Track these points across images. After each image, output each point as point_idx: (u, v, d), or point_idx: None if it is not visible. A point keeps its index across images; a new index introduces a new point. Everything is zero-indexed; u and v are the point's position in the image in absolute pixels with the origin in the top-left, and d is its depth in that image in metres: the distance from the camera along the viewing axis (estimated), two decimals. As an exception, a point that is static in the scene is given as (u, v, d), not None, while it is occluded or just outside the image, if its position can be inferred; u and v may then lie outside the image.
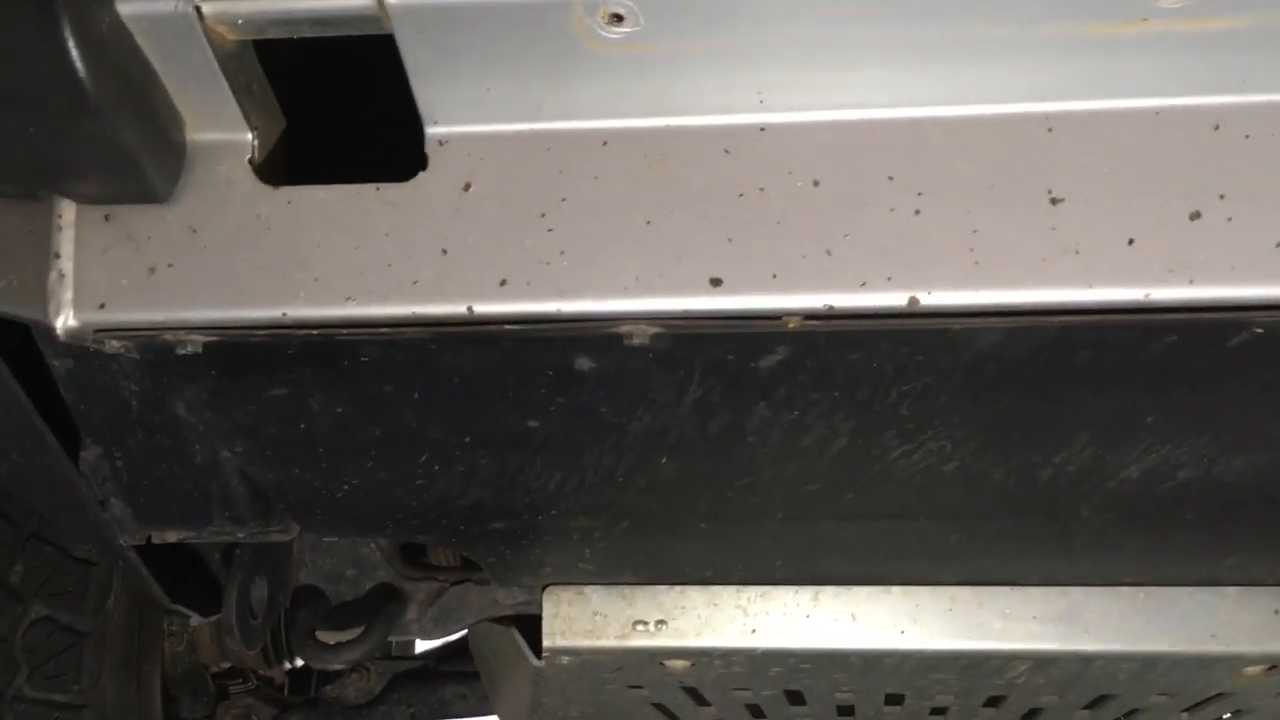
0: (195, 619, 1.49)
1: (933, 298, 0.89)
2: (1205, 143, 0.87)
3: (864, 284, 0.89)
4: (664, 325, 0.92)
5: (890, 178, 0.89)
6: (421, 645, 3.05)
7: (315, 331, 0.93)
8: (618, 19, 0.83)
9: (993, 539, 1.39)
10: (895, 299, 0.89)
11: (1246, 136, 0.86)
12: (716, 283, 0.90)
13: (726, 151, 0.90)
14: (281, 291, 0.92)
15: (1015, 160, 0.88)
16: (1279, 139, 0.86)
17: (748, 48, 0.86)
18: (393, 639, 1.83)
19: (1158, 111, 0.87)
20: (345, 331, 0.93)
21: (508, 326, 0.92)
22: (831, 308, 0.90)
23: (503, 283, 0.91)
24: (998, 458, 1.17)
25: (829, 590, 1.52)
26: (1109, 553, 1.42)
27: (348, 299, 0.91)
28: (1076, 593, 1.48)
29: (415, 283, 0.91)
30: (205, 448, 1.18)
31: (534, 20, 0.84)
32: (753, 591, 1.53)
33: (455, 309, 0.91)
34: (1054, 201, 0.88)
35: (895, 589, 1.52)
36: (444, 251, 0.91)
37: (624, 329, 0.93)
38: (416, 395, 1.07)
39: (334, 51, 1.00)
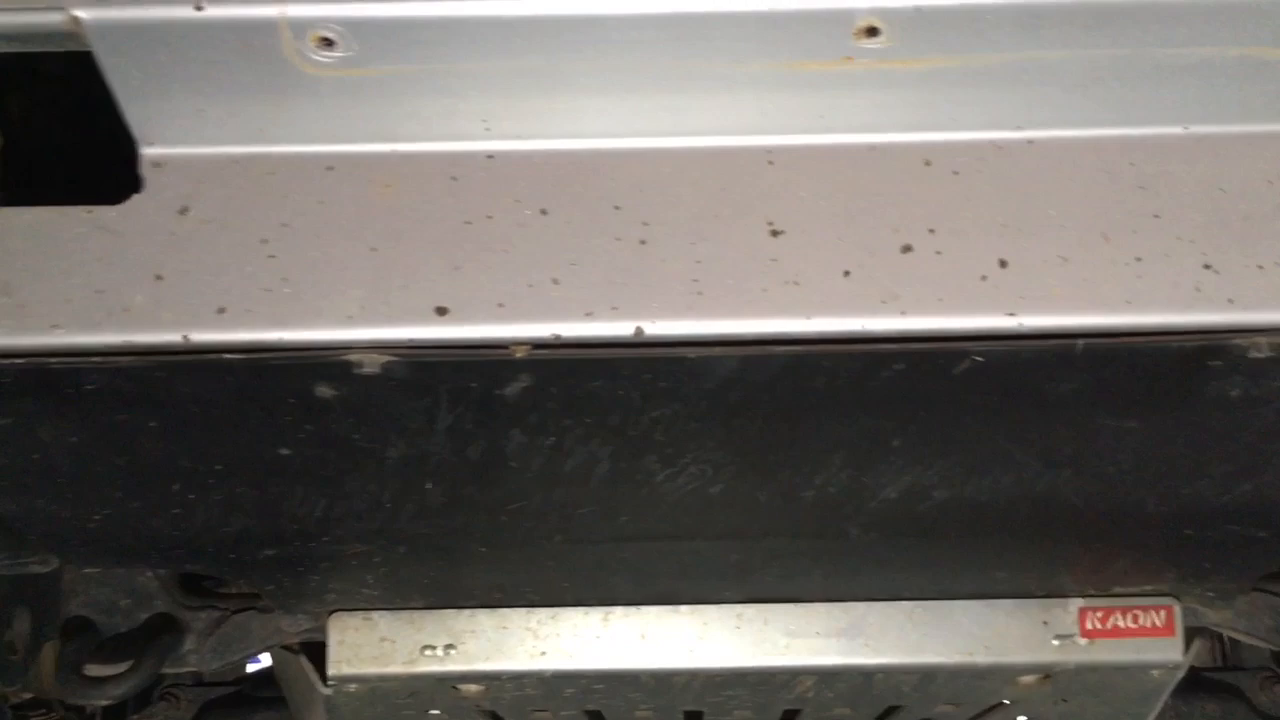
0: (-47, 655, 1.41)
1: (657, 327, 0.89)
2: (917, 178, 0.89)
3: (590, 314, 0.89)
4: (393, 354, 0.90)
5: (617, 207, 0.89)
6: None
7: (21, 361, 0.88)
8: (328, 43, 0.82)
9: (771, 558, 1.42)
10: (621, 328, 0.89)
11: (955, 173, 0.89)
12: (443, 311, 0.89)
13: (454, 179, 0.89)
14: (-17, 319, 0.87)
15: (737, 192, 0.89)
16: (985, 175, 0.89)
17: (468, 76, 0.85)
18: (172, 671, 1.76)
19: (872, 147, 0.89)
20: (57, 361, 0.89)
21: (228, 356, 0.89)
22: (559, 337, 0.89)
23: (221, 310, 0.88)
24: (760, 481, 1.19)
25: (618, 611, 1.53)
26: (885, 569, 1.45)
27: (54, 327, 0.87)
28: (858, 608, 1.52)
29: (127, 310, 0.87)
30: (-63, 479, 1.12)
31: (241, 41, 0.81)
32: (543, 614, 1.53)
33: (170, 338, 0.88)
34: (774, 233, 0.89)
35: (684, 608, 1.53)
36: (159, 277, 0.88)
37: (352, 358, 0.91)
38: (154, 424, 1.03)
39: (57, 69, 0.95)
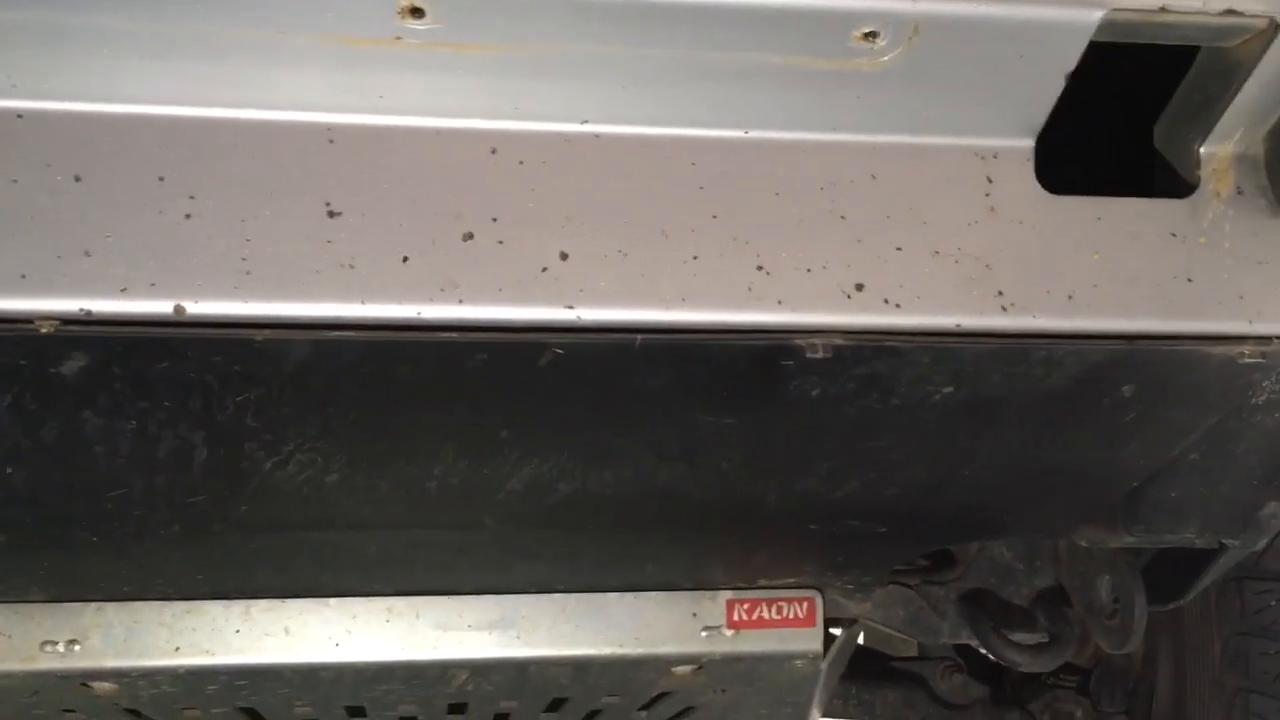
0: None
1: (200, 306, 0.85)
2: (482, 166, 0.88)
3: (124, 290, 0.84)
4: (-97, 325, 0.83)
5: (161, 179, 0.84)
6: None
7: None
8: None
9: (412, 549, 1.39)
10: (159, 306, 0.84)
11: (520, 162, 0.88)
12: (-45, 280, 0.82)
13: (-28, 138, 0.82)
14: None
15: (294, 170, 0.86)
16: (551, 167, 0.89)
17: (-16, 26, 0.79)
18: None
19: (438, 131, 0.87)
20: None
21: None
22: (89, 313, 0.84)
23: None
24: (376, 470, 1.16)
25: (262, 604, 1.47)
26: (534, 561, 1.45)
27: None
28: (511, 600, 1.51)
29: None
30: None
31: None
32: (178, 607, 1.45)
33: None
34: (331, 214, 0.86)
35: (332, 601, 1.48)
36: None
37: None
38: None
39: None
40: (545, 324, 0.88)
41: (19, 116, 0.83)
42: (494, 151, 0.88)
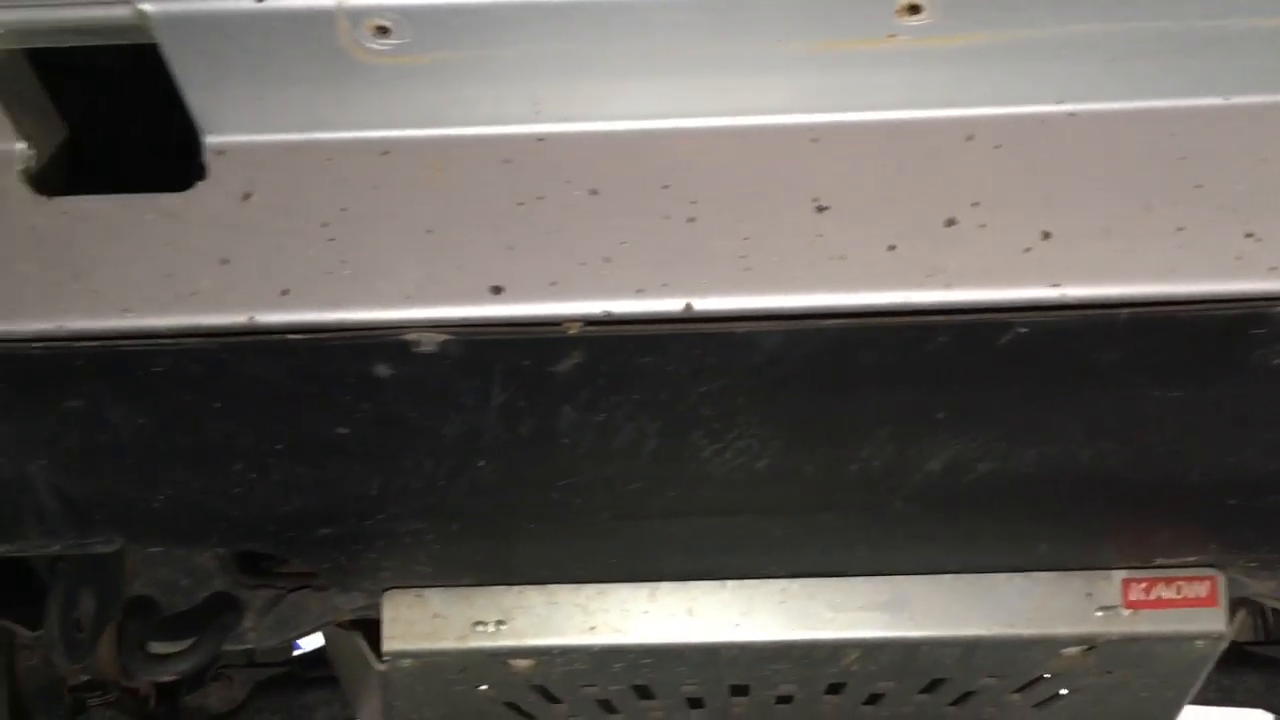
0: (22, 632, 1.46)
1: (707, 303, 0.91)
2: (959, 153, 0.91)
3: (640, 290, 0.91)
4: (450, 332, 0.93)
5: (665, 186, 0.92)
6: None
7: (95, 344, 0.92)
8: (384, 31, 0.84)
9: (816, 532, 1.44)
10: (671, 305, 0.91)
11: (997, 146, 0.90)
12: (497, 290, 0.91)
13: (506, 161, 0.92)
14: (57, 303, 0.91)
15: (782, 170, 0.91)
16: (1028, 149, 0.90)
17: (518, 60, 0.88)
18: (232, 649, 1.80)
19: (914, 123, 0.91)
20: (127, 343, 0.93)
21: (293, 336, 0.93)
22: (610, 314, 0.92)
23: (285, 292, 0.91)
24: (805, 455, 1.21)
25: (666, 586, 1.55)
26: (928, 542, 1.47)
27: (125, 310, 0.91)
28: (901, 581, 1.53)
29: (195, 293, 0.91)
30: (9, 461, 1.16)
31: (300, 32, 0.84)
32: (591, 590, 1.56)
33: (236, 319, 0.91)
34: (819, 209, 0.91)
35: (730, 583, 1.55)
36: (224, 261, 0.91)
37: (410, 337, 0.93)
38: (218, 405, 1.06)
39: (127, 59, 0.99)
40: (1030, 303, 0.90)
41: (540, 140, 0.92)
42: (970, 138, 0.91)
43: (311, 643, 2.58)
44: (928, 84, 0.90)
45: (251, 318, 0.91)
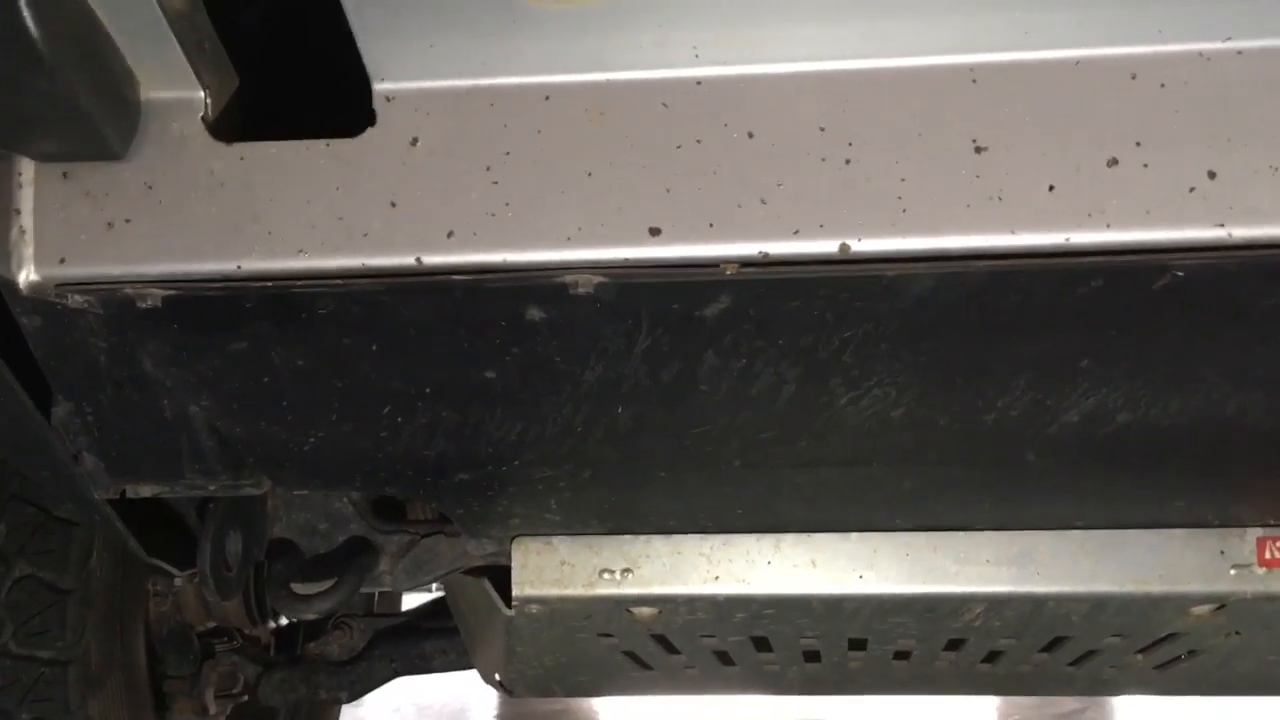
0: (173, 572, 1.53)
1: (863, 244, 0.92)
2: (1122, 92, 0.90)
3: (797, 231, 0.92)
4: (607, 274, 0.95)
5: (821, 129, 0.92)
6: (407, 603, 3.11)
7: (270, 284, 0.96)
8: (553, -24, 0.86)
9: (944, 484, 1.44)
10: (827, 246, 0.92)
11: (1162, 85, 0.89)
12: (656, 232, 0.93)
13: (664, 105, 0.93)
14: (236, 245, 0.95)
15: (940, 111, 0.91)
16: (1193, 87, 0.89)
17: (678, 4, 0.89)
18: (368, 591, 1.87)
19: (1077, 62, 0.90)
20: (300, 284, 0.97)
21: (456, 277, 0.96)
22: (766, 255, 0.93)
23: (450, 234, 0.94)
24: (941, 403, 1.21)
25: (790, 538, 1.57)
26: (1058, 496, 1.46)
27: (300, 251, 0.95)
28: (1028, 536, 1.53)
29: (365, 235, 0.94)
30: (173, 402, 1.21)
31: (471, -22, 0.86)
32: (716, 540, 1.58)
33: (404, 260, 0.94)
34: (978, 150, 0.91)
35: (854, 535, 1.56)
36: (393, 204, 0.95)
37: (568, 279, 0.96)
38: (375, 347, 1.10)
39: (290, 9, 1.02)
40: (1194, 244, 0.90)
41: (698, 83, 0.93)
42: (1134, 76, 0.90)
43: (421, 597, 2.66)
44: (1090, 22, 0.89)
45: (419, 259, 0.94)
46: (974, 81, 0.91)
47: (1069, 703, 4.87)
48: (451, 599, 1.99)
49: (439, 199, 0.94)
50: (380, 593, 2.59)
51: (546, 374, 1.15)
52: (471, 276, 0.96)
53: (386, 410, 1.23)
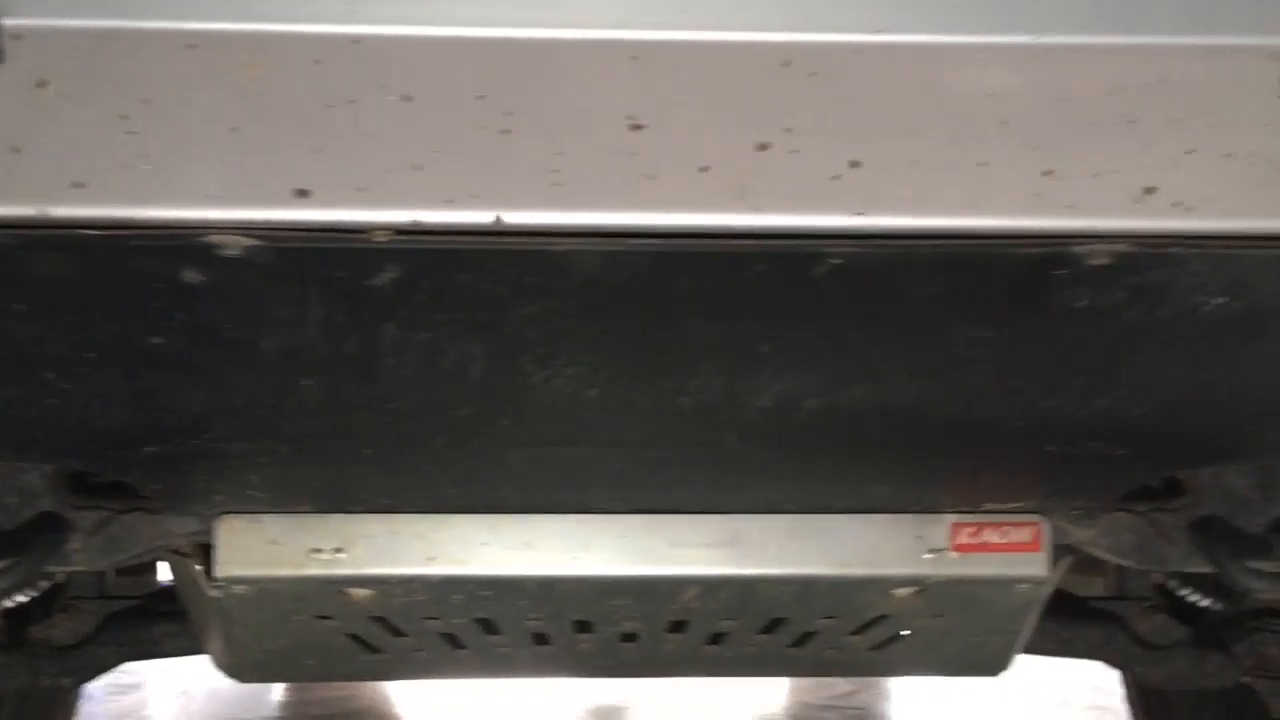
0: None
1: (517, 216, 0.91)
2: (775, 78, 0.91)
3: (450, 200, 0.90)
4: (255, 236, 0.91)
5: (480, 96, 0.90)
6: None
7: None
8: (186, -86, 0.81)
9: (655, 468, 1.45)
10: (481, 216, 0.91)
11: (812, 74, 0.91)
12: (303, 194, 0.90)
13: (317, 61, 0.90)
14: None
15: (598, 86, 0.91)
16: (841, 77, 0.91)
17: (330, -45, 0.85)
18: (57, 569, 1.76)
19: (733, 45, 0.91)
20: (-91, 231, 0.89)
21: (89, 231, 0.90)
22: (419, 223, 0.91)
23: (78, 185, 0.88)
24: (636, 386, 1.22)
25: (507, 519, 1.56)
26: (764, 481, 1.49)
27: (-97, 195, 0.87)
28: (740, 520, 1.56)
29: (-19, 182, 0.87)
30: None
31: (95, -91, 0.81)
32: (432, 520, 1.55)
33: (24, 211, 0.88)
34: (635, 128, 0.91)
35: (571, 517, 1.56)
36: (14, 150, 0.88)
37: (214, 239, 0.91)
38: (22, 306, 1.03)
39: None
40: (835, 230, 0.92)
41: (355, 42, 0.90)
42: (787, 64, 0.91)
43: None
44: (747, 7, 0.90)
45: (43, 210, 0.88)
46: (633, 59, 0.91)
47: (843, 684, 5.04)
48: (175, 578, 1.90)
49: (68, 147, 0.88)
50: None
51: (218, 342, 1.09)
52: (105, 232, 0.90)
53: (49, 376, 1.15)
